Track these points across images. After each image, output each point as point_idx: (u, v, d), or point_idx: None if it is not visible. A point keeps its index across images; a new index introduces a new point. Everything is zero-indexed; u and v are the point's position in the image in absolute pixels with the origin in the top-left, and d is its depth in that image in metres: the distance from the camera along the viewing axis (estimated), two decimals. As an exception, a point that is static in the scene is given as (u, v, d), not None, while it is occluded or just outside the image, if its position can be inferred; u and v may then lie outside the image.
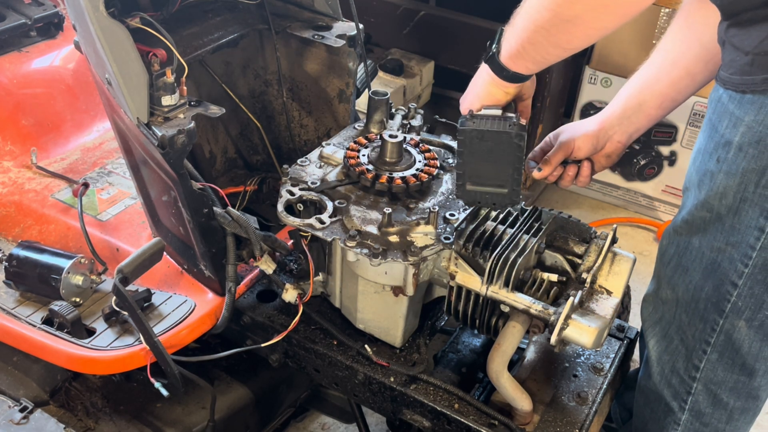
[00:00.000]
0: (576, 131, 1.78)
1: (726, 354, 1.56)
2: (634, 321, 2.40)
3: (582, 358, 1.74)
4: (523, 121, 1.47)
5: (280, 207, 1.59)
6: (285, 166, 1.72)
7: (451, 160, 1.77)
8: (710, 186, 1.45)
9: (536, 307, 1.45)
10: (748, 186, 1.38)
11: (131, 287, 1.76)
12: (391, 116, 1.88)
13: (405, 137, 1.72)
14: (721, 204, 1.44)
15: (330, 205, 1.59)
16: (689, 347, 1.61)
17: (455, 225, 1.56)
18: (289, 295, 1.72)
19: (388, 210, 1.52)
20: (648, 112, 1.72)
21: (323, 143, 1.81)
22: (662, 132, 3.28)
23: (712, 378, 1.60)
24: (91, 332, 1.76)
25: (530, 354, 1.74)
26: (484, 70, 1.49)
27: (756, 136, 1.34)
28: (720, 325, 1.53)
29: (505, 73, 1.45)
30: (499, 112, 1.48)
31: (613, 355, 1.76)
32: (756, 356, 1.54)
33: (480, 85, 1.51)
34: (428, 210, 1.54)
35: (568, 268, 1.56)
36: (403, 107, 1.92)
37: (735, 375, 1.58)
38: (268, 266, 1.72)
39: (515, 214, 1.63)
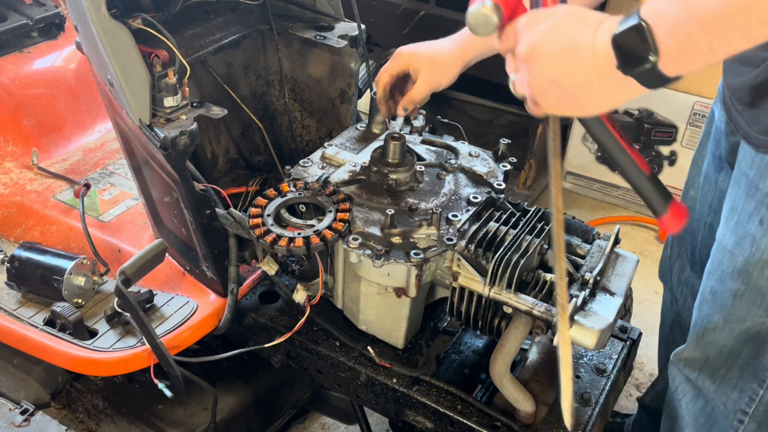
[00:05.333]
0: None
1: (766, 424, 1.45)
2: (636, 322, 2.40)
3: (585, 359, 1.74)
4: None
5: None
6: (287, 167, 1.72)
7: (453, 161, 1.77)
8: (751, 252, 1.30)
9: (539, 308, 1.45)
10: None
11: (133, 288, 1.76)
12: (393, 117, 1.88)
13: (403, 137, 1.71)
14: (762, 275, 1.29)
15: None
16: (723, 414, 1.51)
17: (458, 226, 1.56)
18: (300, 295, 1.70)
19: (390, 211, 1.52)
20: None
21: (325, 144, 1.81)
22: (662, 132, 3.27)
23: None
24: (93, 333, 1.76)
25: (533, 355, 1.73)
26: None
27: None
28: (759, 396, 1.43)
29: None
30: None
31: (616, 356, 1.76)
32: None
33: None
34: (431, 211, 1.54)
35: (570, 269, 1.56)
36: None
37: None
38: (270, 267, 1.72)
39: (518, 215, 1.63)
